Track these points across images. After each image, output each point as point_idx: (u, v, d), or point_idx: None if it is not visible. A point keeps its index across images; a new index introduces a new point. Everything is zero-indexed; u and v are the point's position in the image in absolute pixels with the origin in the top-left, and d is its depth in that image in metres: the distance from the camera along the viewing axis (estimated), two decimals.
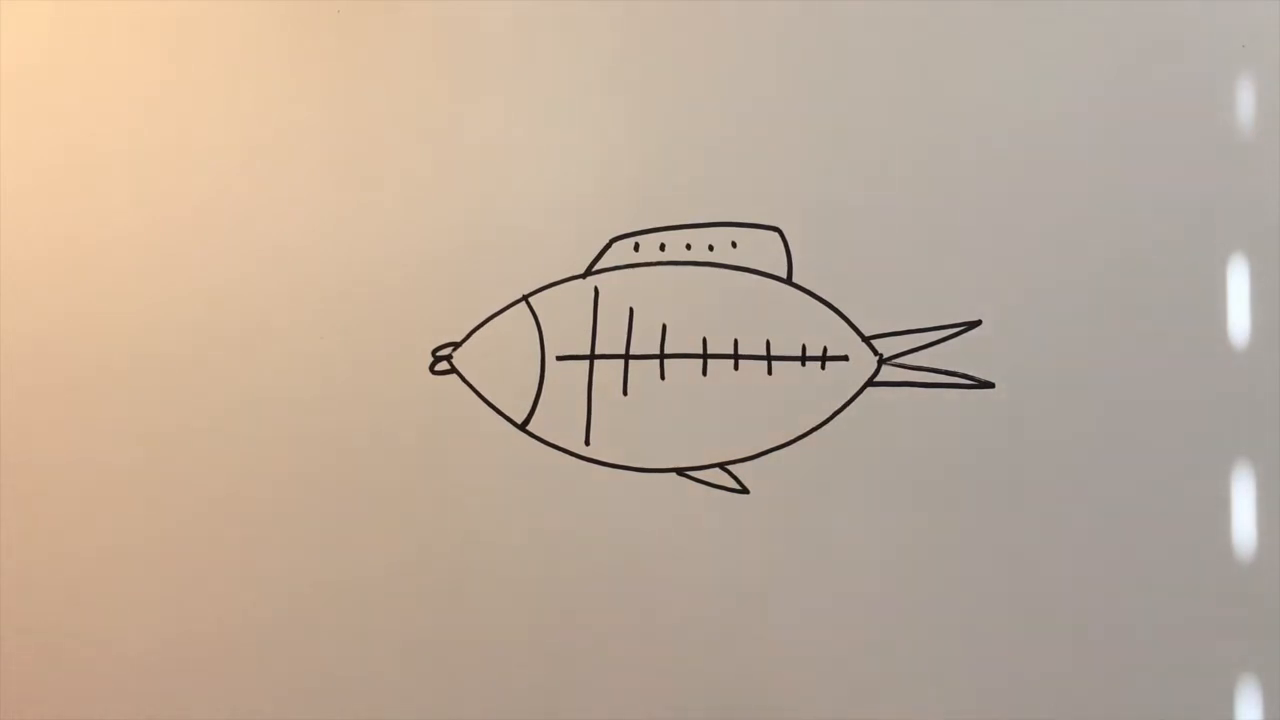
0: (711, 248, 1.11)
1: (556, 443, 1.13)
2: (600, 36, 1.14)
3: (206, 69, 1.20)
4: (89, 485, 1.20)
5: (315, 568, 1.16)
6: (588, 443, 1.12)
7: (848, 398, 1.08)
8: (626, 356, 1.12)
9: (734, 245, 1.11)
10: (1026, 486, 1.05)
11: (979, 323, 1.06)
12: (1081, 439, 1.04)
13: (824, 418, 1.08)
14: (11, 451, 1.21)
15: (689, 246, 1.11)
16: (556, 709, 1.11)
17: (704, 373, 1.10)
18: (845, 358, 1.08)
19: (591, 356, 1.13)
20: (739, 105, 1.11)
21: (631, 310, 1.12)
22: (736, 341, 1.10)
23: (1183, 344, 1.03)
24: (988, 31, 1.07)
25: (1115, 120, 1.05)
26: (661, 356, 1.11)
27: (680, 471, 1.11)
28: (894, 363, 1.08)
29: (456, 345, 1.15)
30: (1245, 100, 1.03)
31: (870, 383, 1.08)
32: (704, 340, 1.11)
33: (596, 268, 1.13)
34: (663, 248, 1.12)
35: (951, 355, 1.06)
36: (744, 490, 1.09)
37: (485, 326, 1.14)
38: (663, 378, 1.11)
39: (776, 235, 1.10)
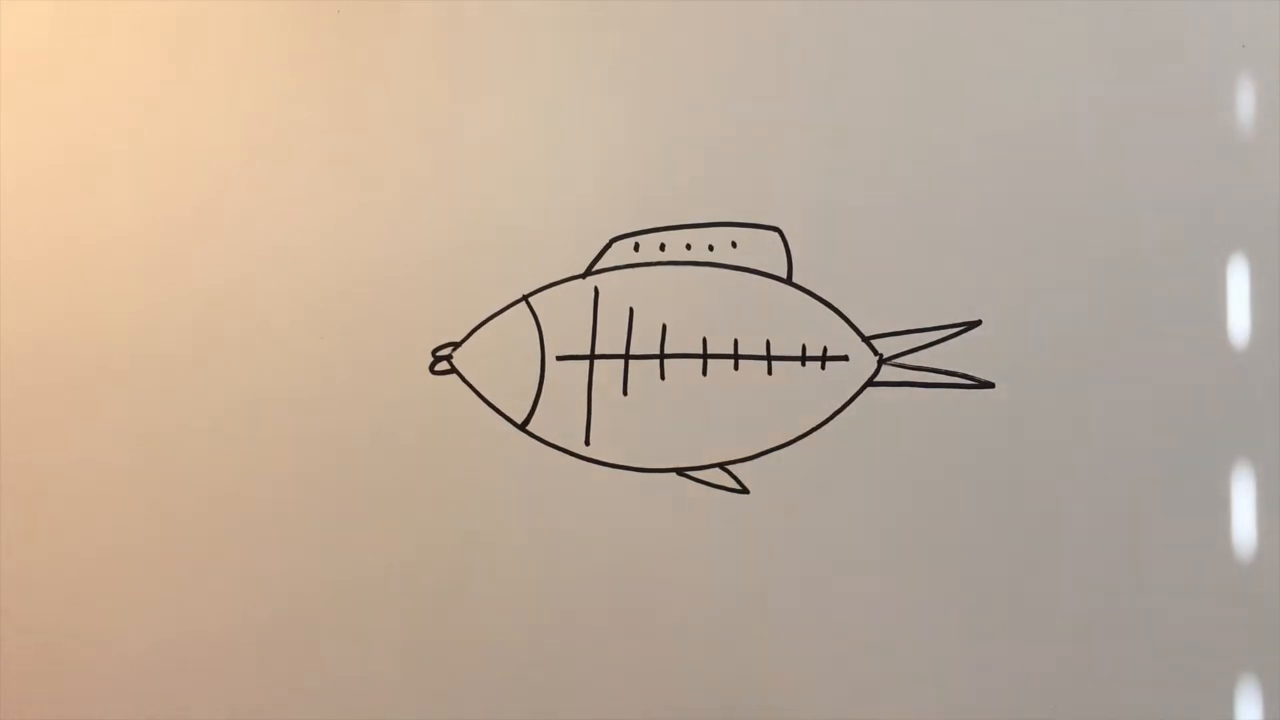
0: (711, 248, 1.11)
1: (556, 443, 1.13)
2: (600, 36, 1.14)
3: (206, 69, 1.20)
4: (89, 485, 1.20)
5: (315, 568, 1.16)
6: (588, 443, 1.12)
7: (848, 398, 1.08)
8: (626, 356, 1.12)
9: (734, 245, 1.11)
10: (1026, 486, 1.05)
11: (979, 323, 1.06)
12: (1081, 439, 1.04)
13: (824, 418, 1.08)
14: (11, 451, 1.21)
15: (689, 246, 1.11)
16: (556, 709, 1.11)
17: (704, 373, 1.10)
18: (845, 358, 1.08)
19: (591, 356, 1.13)
20: (739, 105, 1.11)
21: (631, 310, 1.12)
22: (736, 341, 1.10)
23: (1183, 344, 1.03)
24: (988, 31, 1.07)
25: (1115, 120, 1.05)
26: (661, 356, 1.11)
27: (680, 471, 1.11)
28: (894, 363, 1.08)
29: (456, 345, 1.15)
30: (1245, 100, 1.03)
31: (870, 383, 1.08)
32: (704, 340, 1.11)
33: (596, 268, 1.13)
34: (663, 248, 1.12)
35: (951, 355, 1.06)
36: (744, 490, 1.09)
37: (485, 326, 1.14)
38: (663, 378, 1.11)
39: (776, 235, 1.10)
